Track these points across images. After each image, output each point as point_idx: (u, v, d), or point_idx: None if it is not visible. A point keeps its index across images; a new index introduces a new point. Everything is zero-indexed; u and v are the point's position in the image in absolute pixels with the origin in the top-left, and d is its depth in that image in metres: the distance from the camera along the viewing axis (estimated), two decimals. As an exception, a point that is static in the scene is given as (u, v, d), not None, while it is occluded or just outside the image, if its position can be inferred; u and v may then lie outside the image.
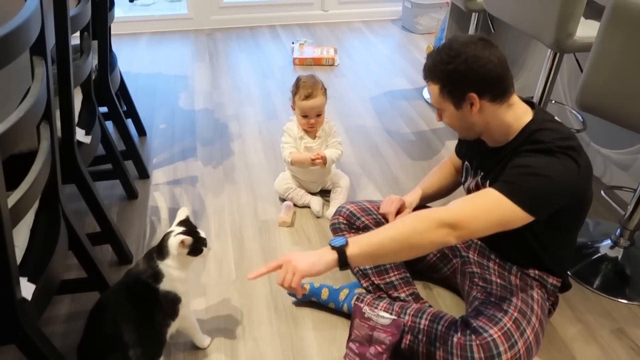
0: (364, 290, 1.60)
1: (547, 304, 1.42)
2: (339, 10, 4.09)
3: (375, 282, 1.57)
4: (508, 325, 1.25)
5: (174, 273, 1.30)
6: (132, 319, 1.28)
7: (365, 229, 1.61)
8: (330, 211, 1.97)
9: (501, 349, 1.20)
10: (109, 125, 2.13)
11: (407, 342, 1.36)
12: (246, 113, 2.77)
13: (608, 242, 1.86)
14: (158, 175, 2.24)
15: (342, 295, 1.59)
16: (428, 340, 1.32)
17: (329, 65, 3.32)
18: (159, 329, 1.33)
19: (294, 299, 1.65)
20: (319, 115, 1.94)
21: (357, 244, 1.19)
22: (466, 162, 1.51)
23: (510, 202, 1.16)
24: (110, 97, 2.04)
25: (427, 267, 1.65)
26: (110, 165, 2.02)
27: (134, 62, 3.31)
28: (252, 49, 3.58)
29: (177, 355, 1.47)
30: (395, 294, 1.55)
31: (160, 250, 1.31)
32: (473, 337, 1.25)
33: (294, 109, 1.98)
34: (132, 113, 2.47)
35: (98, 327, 1.29)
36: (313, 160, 1.93)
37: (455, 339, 1.27)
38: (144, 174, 2.21)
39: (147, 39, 3.66)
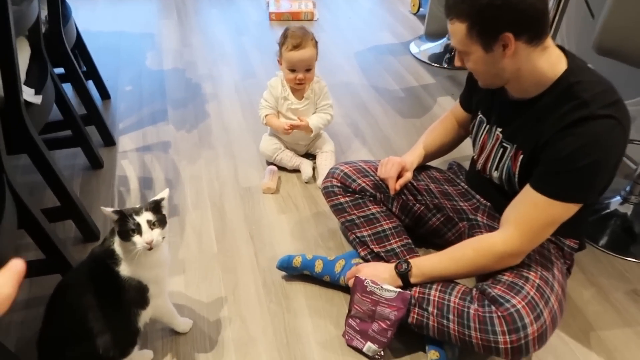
0: (361, 260, 1.44)
1: (564, 267, 1.29)
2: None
3: (375, 250, 1.41)
4: (531, 293, 1.11)
5: (132, 259, 1.10)
6: (96, 304, 1.10)
7: (362, 192, 1.44)
8: (319, 180, 1.79)
9: (526, 320, 1.07)
10: (67, 88, 1.88)
11: (415, 316, 1.22)
12: (221, 72, 2.53)
13: (617, 198, 1.74)
14: (125, 142, 2.02)
15: (338, 267, 1.43)
16: (440, 314, 1.17)
17: (308, 20, 3.08)
18: (128, 317, 1.15)
19: (284, 273, 1.49)
20: (308, 71, 1.73)
21: (420, 271, 1.25)
22: (480, 115, 1.34)
23: (563, 204, 1.10)
24: (65, 53, 1.79)
25: (430, 232, 1.50)
26: (69, 131, 1.79)
27: (93, 21, 3.01)
28: (224, 5, 3.30)
29: (155, 342, 1.30)
30: (397, 263, 1.40)
31: (112, 229, 1.12)
32: (493, 308, 1.11)
33: (280, 63, 1.77)
34: (93, 74, 2.21)
35: (59, 315, 1.10)
36: (286, 129, 1.75)
37: (471, 311, 1.13)
38: (109, 141, 1.99)
39: (107, -5, 3.34)
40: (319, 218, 1.70)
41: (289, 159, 1.86)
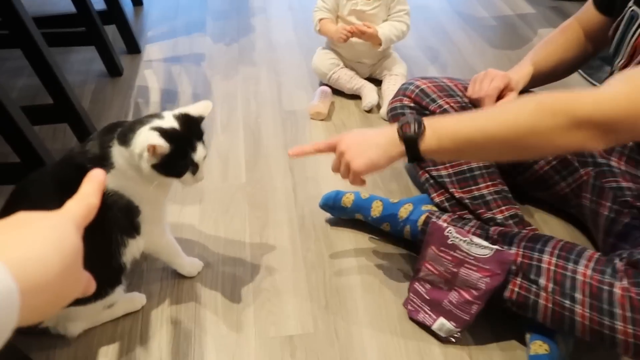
0: (434, 208, 1.05)
1: None
2: None
3: (456, 195, 1.01)
4: None
5: (128, 172, 0.78)
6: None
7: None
8: (384, 109, 1.38)
9: None
10: None
11: (516, 289, 0.82)
12: (273, -14, 2.14)
13: None
14: (152, 51, 1.69)
15: (404, 213, 1.04)
16: (558, 290, 0.77)
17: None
18: (108, 246, 0.82)
19: (328, 215, 1.12)
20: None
21: (436, 135, 0.76)
22: (633, 7, 0.89)
23: None
24: None
25: (534, 181, 1.09)
26: (83, 28, 1.47)
27: None
28: None
29: (151, 285, 0.98)
30: (488, 215, 0.99)
31: (124, 133, 0.78)
32: (659, 288, 0.69)
33: None
34: (124, -27, 1.88)
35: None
36: (344, 35, 1.35)
37: (617, 290, 0.72)
38: (134, 48, 1.66)
39: None
40: (379, 154, 1.31)
41: (348, 79, 1.46)
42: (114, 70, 1.54)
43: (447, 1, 2.07)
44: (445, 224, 0.86)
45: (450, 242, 0.85)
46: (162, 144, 0.73)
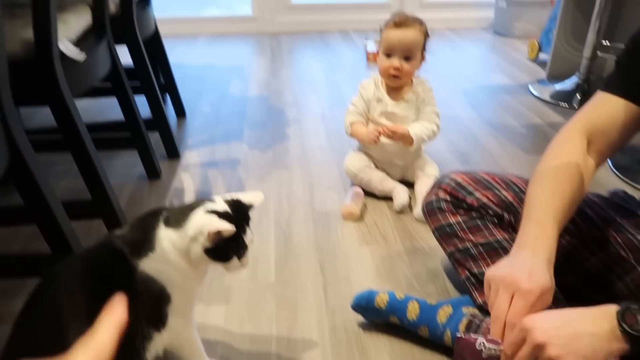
0: (476, 311, 0.97)
1: None
2: (421, 15, 3.60)
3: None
4: None
5: (171, 255, 0.76)
6: (87, 310, 0.74)
7: (483, 209, 1.00)
8: (418, 209, 1.36)
9: None
10: (141, 104, 1.64)
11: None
12: (308, 100, 2.27)
13: None
14: (190, 156, 1.76)
15: (443, 316, 0.96)
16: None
17: (409, 62, 2.80)
18: (133, 339, 0.77)
19: (361, 317, 1.05)
20: (408, 60, 1.38)
21: None
22: None
23: None
24: (134, 40, 1.59)
25: (587, 280, 0.99)
26: (128, 133, 1.56)
27: (188, 55, 2.96)
28: (319, 46, 3.14)
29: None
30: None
31: (174, 216, 0.78)
32: None
33: (377, 55, 1.46)
34: (171, 88, 2.04)
35: (31, 321, 0.75)
36: (376, 135, 1.37)
37: None
38: (174, 153, 1.73)
39: (205, 39, 3.33)
40: (414, 255, 1.25)
41: (380, 180, 1.46)
42: (152, 173, 1.60)
43: (476, 112, 2.13)
44: (474, 336, 0.77)
45: (486, 357, 0.75)
46: (228, 228, 0.74)
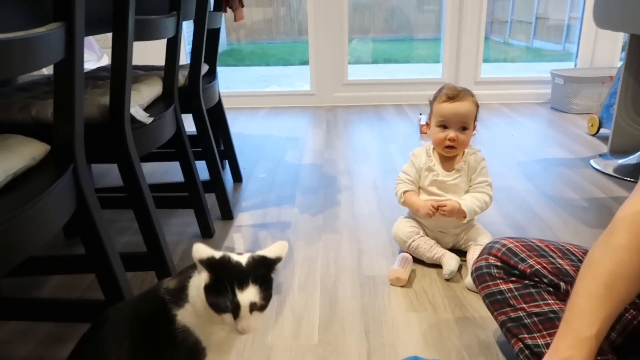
0: (532, 387, 0.89)
1: None
2: (475, 91, 3.65)
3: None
4: None
5: (197, 303, 0.76)
6: (130, 355, 0.76)
7: (536, 276, 0.96)
8: (469, 278, 1.31)
9: None
10: (201, 169, 1.75)
11: None
12: (360, 169, 2.31)
13: None
14: (243, 218, 1.81)
15: (494, 389, 0.90)
16: None
17: (463, 135, 2.81)
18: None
19: (407, 386, 0.99)
20: (463, 130, 1.40)
21: None
22: None
23: None
24: (198, 107, 1.72)
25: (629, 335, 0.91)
26: (186, 193, 1.64)
27: (248, 126, 3.13)
28: (374, 119, 3.23)
29: None
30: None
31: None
32: None
33: (428, 128, 1.48)
34: (230, 155, 2.14)
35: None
36: (431, 212, 1.37)
37: None
38: (228, 215, 1.79)
39: (265, 112, 3.52)
40: (465, 324, 1.19)
41: (428, 248, 1.43)
42: (206, 232, 1.65)
43: (532, 184, 2.08)
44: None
45: None
46: (203, 249, 0.74)
